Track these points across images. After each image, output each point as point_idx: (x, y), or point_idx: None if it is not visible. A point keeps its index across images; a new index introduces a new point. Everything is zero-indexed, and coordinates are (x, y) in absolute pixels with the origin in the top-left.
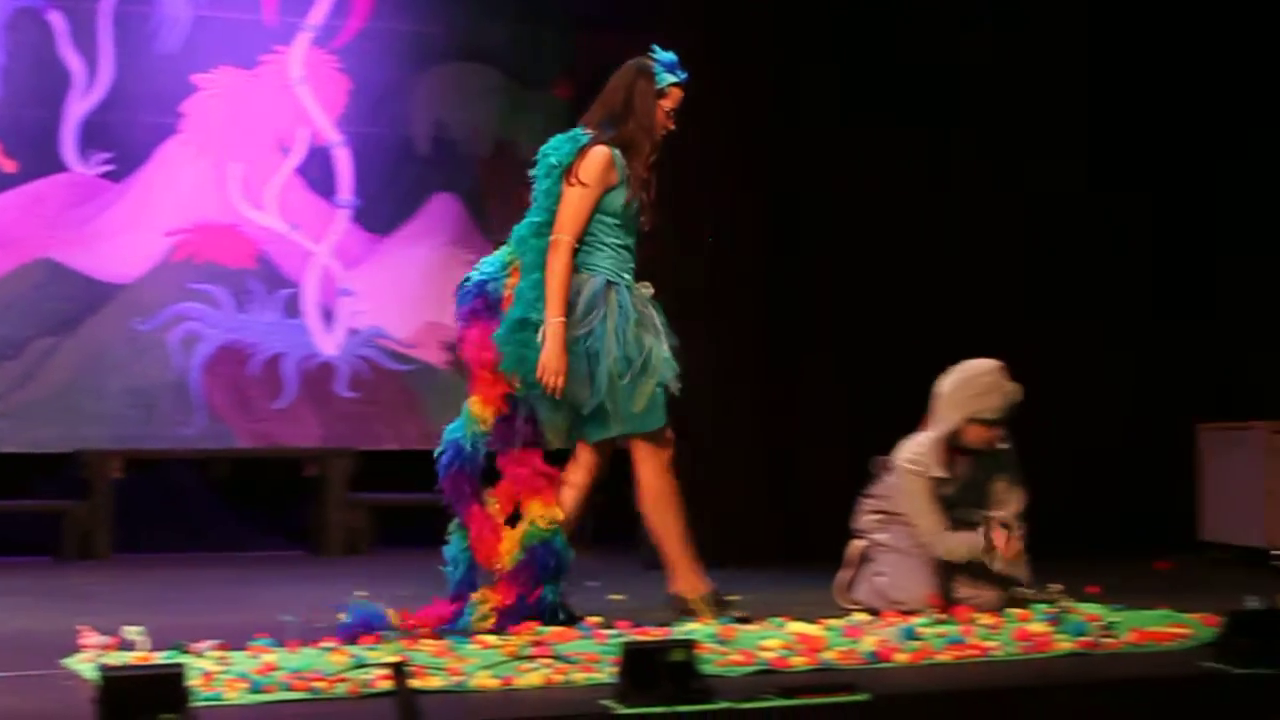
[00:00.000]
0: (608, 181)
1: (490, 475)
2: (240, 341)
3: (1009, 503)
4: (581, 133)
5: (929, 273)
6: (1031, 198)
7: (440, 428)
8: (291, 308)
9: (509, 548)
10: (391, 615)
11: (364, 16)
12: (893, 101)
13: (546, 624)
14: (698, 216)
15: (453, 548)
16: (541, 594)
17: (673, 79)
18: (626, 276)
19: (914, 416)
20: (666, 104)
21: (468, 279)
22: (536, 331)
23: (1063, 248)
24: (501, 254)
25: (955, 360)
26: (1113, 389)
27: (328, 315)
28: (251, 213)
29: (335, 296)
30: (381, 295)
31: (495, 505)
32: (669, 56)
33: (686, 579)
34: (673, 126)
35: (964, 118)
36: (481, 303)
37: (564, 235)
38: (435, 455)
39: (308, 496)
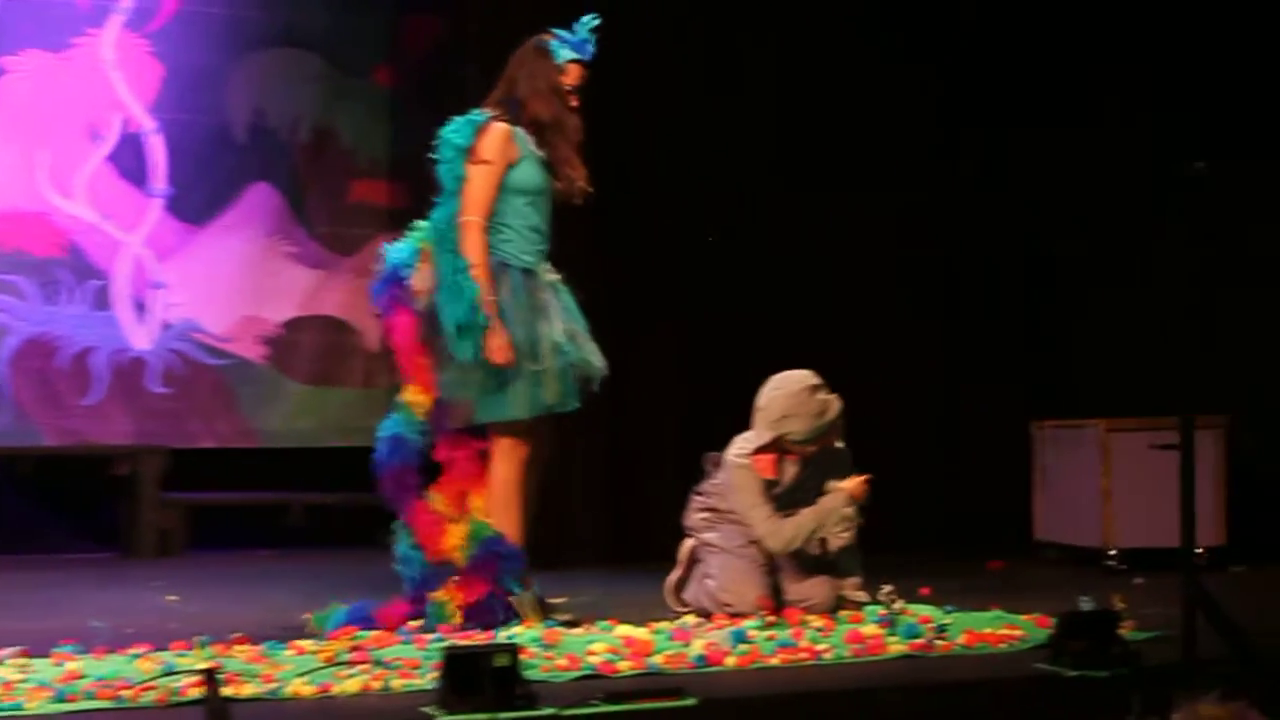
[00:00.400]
0: (509, 157)
1: (431, 471)
2: (48, 334)
3: (843, 499)
4: (479, 113)
5: (765, 269)
6: (872, 197)
7: (257, 424)
8: (102, 300)
9: (457, 542)
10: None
11: None
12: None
13: (513, 619)
14: None
15: (401, 546)
16: (507, 585)
17: (571, 55)
18: (528, 258)
19: (747, 413)
20: (566, 80)
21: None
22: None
23: (898, 246)
24: (412, 240)
25: (789, 357)
26: (946, 387)
27: (140, 308)
28: (60, 201)
29: (148, 289)
30: (196, 288)
31: (442, 501)
32: (575, 34)
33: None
34: (574, 103)
35: (803, 111)
36: (399, 289)
37: (472, 216)
38: (373, 454)
39: (118, 496)
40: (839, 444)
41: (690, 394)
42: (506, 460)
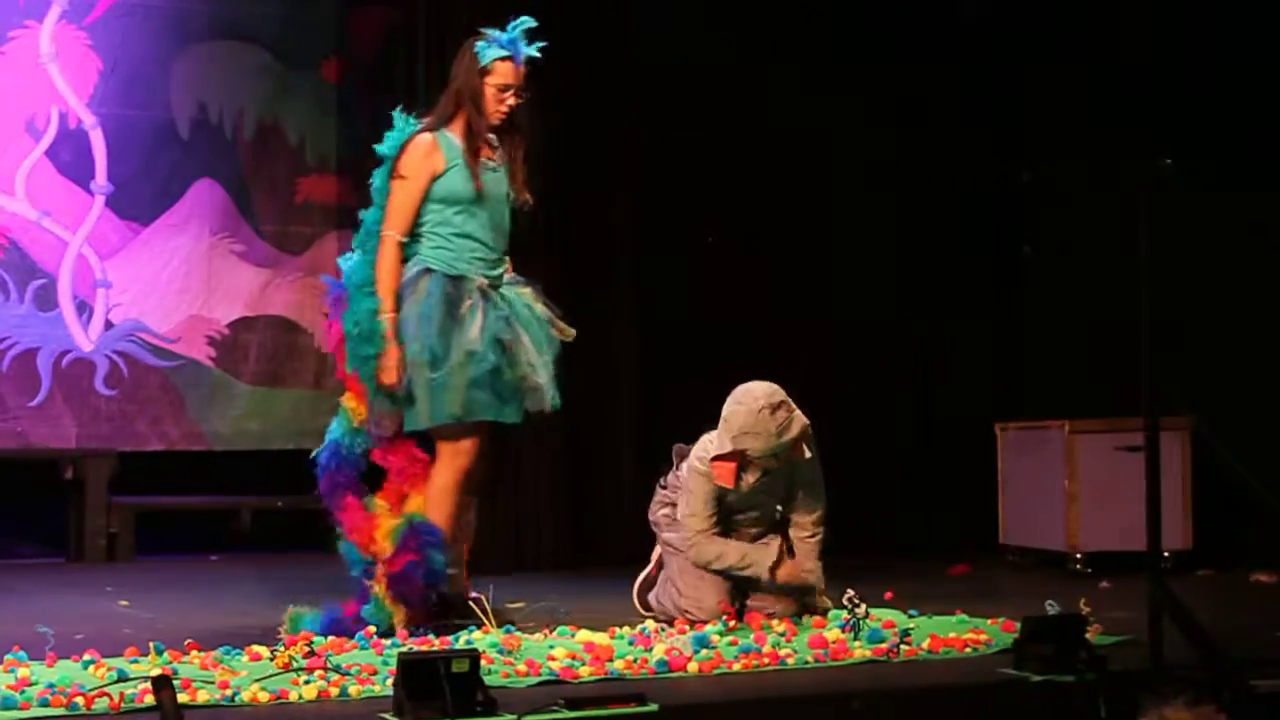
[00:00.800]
0: (432, 169)
1: (373, 476)
2: None
3: (808, 510)
4: (412, 123)
5: (731, 271)
6: (837, 198)
7: (205, 427)
8: (45, 300)
9: (386, 532)
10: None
11: None
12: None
13: (440, 597)
14: None
15: (345, 547)
16: (430, 557)
17: (498, 54)
18: (462, 265)
19: (705, 417)
20: (493, 80)
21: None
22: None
23: (862, 247)
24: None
25: (750, 359)
26: (911, 389)
27: (84, 308)
28: None
29: (92, 288)
30: (141, 287)
31: (382, 505)
32: (506, 33)
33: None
34: (509, 101)
35: (769, 110)
36: (344, 295)
37: (388, 231)
38: (312, 457)
39: (65, 500)
40: (807, 453)
41: (649, 397)
42: (442, 467)
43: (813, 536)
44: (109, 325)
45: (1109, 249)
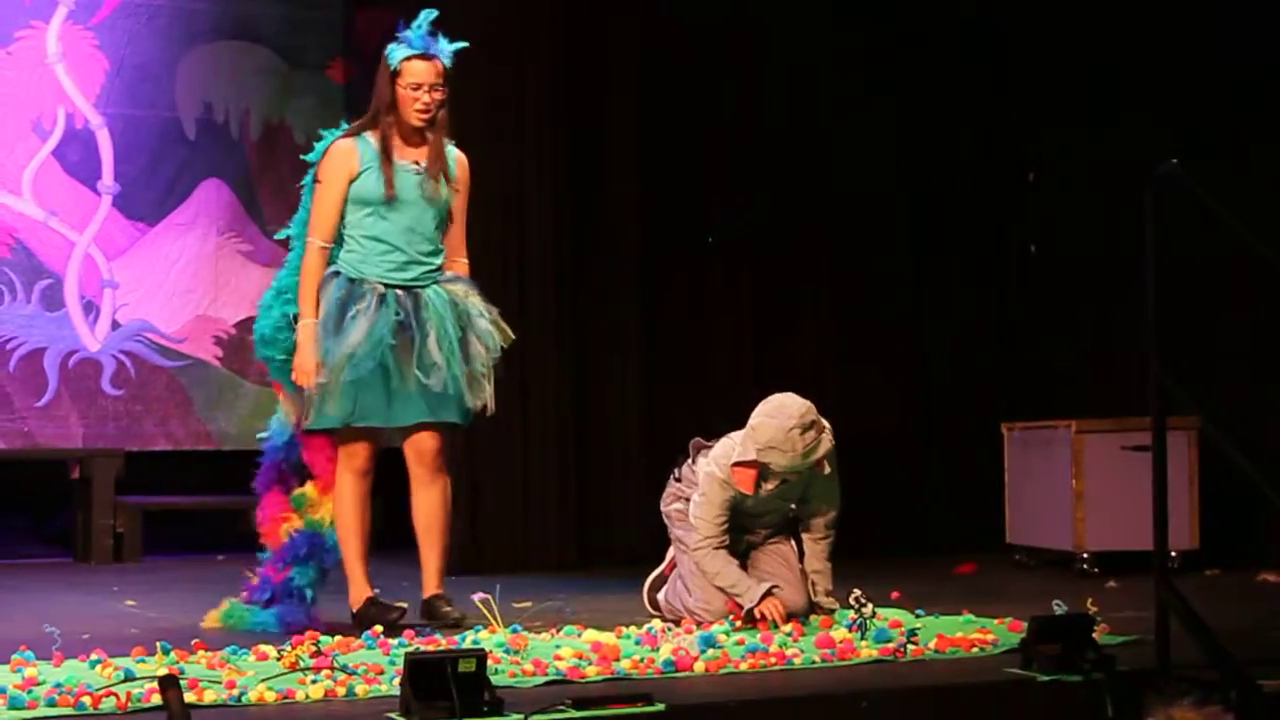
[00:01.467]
0: (348, 171)
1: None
2: None
3: (820, 514)
4: (337, 131)
5: (736, 269)
6: (838, 197)
7: (212, 426)
8: (51, 300)
9: (287, 528)
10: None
11: None
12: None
13: (297, 609)
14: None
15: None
16: (288, 576)
17: (405, 53)
18: (367, 268)
19: (713, 417)
20: (405, 80)
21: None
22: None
23: (869, 246)
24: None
25: (759, 365)
26: (918, 389)
27: (91, 308)
28: (6, 198)
29: (99, 288)
30: (148, 287)
31: (307, 499)
32: (413, 32)
33: (353, 586)
34: (424, 99)
35: (770, 112)
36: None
37: (311, 236)
38: (263, 443)
39: (71, 500)
40: (827, 469)
41: (655, 396)
42: (339, 470)
43: (824, 539)
44: (116, 325)
45: (1115, 247)
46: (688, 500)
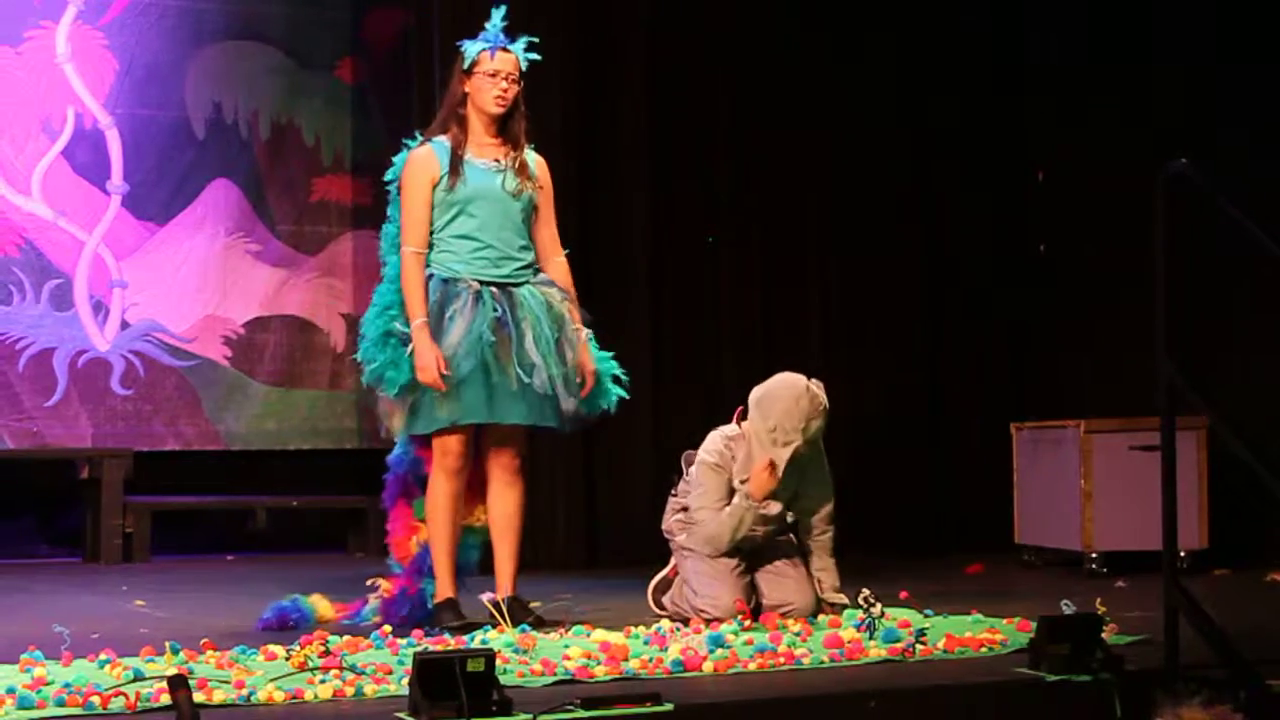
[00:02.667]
0: (431, 177)
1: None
2: (5, 335)
3: (816, 507)
4: (418, 137)
5: (744, 272)
6: (848, 197)
7: (221, 426)
8: (61, 300)
9: (417, 541)
10: (321, 604)
11: None
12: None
13: (428, 619)
14: None
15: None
16: (422, 587)
17: (479, 47)
18: (456, 267)
19: (720, 416)
20: (481, 69)
21: None
22: (394, 342)
23: (877, 247)
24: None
25: (768, 365)
26: (927, 388)
27: (100, 308)
28: (15, 198)
29: (108, 288)
30: (157, 287)
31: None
32: (490, 31)
33: (438, 584)
34: (503, 87)
35: (779, 106)
36: None
37: (406, 246)
38: (389, 457)
39: (81, 500)
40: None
41: (665, 397)
42: (433, 470)
43: (823, 534)
44: (125, 325)
45: (1125, 246)
46: (685, 509)
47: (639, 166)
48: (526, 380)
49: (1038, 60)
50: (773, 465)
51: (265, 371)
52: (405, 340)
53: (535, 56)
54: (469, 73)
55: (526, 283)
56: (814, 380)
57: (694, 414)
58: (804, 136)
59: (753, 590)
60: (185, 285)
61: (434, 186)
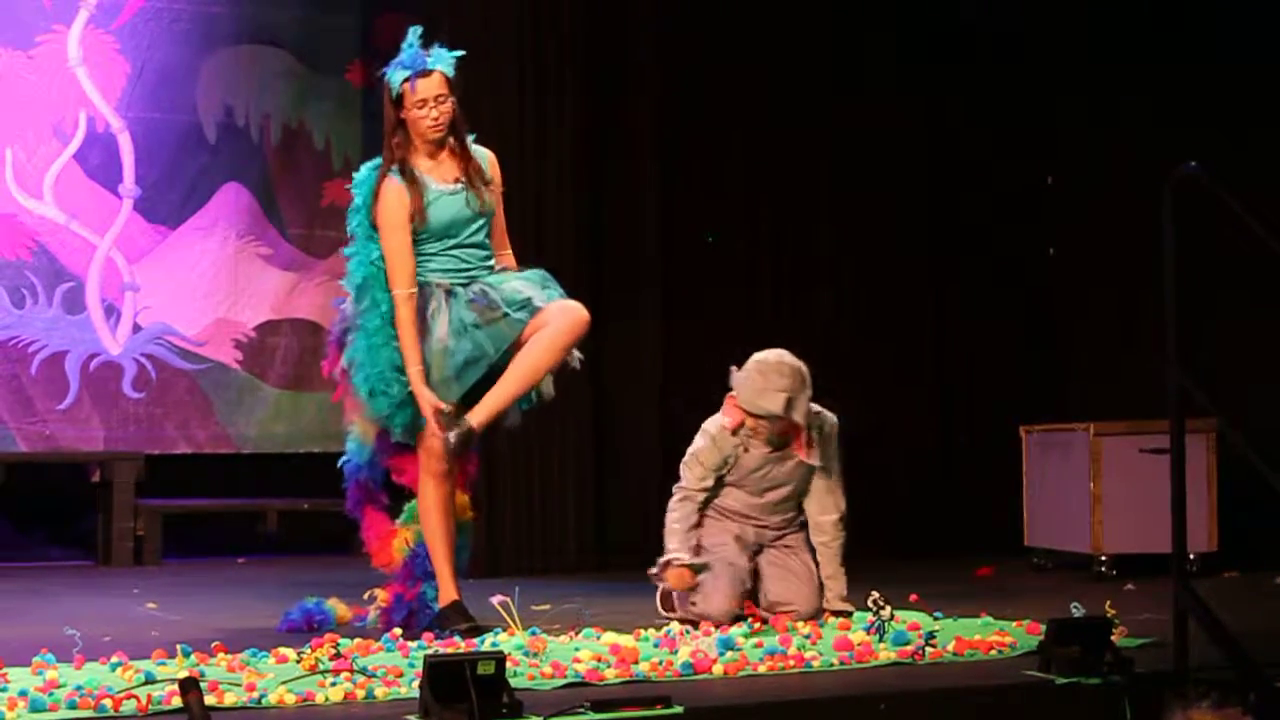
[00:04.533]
0: (412, 209)
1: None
2: (17, 338)
3: (827, 512)
4: (376, 163)
5: (755, 273)
6: (857, 200)
7: (232, 430)
8: (73, 303)
9: (400, 544)
10: (339, 607)
11: None
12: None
13: (431, 622)
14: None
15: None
16: (421, 590)
17: (403, 74)
18: (430, 274)
19: None
20: (409, 100)
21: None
22: (403, 380)
23: (887, 252)
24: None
25: None
26: (935, 392)
27: (112, 311)
28: (28, 202)
29: (120, 291)
30: (169, 290)
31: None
32: (405, 53)
33: (441, 588)
34: (435, 113)
35: (787, 108)
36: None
37: (397, 289)
38: (339, 464)
39: (92, 503)
40: (818, 461)
41: (674, 398)
42: (421, 475)
43: (833, 541)
44: (137, 328)
45: (1134, 249)
46: None
47: (649, 167)
48: (518, 300)
49: (1047, 60)
50: (741, 423)
51: (276, 375)
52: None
53: (451, 64)
54: (399, 105)
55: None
56: (799, 366)
57: (704, 416)
58: (813, 138)
59: (754, 587)
60: (197, 289)
61: (412, 219)
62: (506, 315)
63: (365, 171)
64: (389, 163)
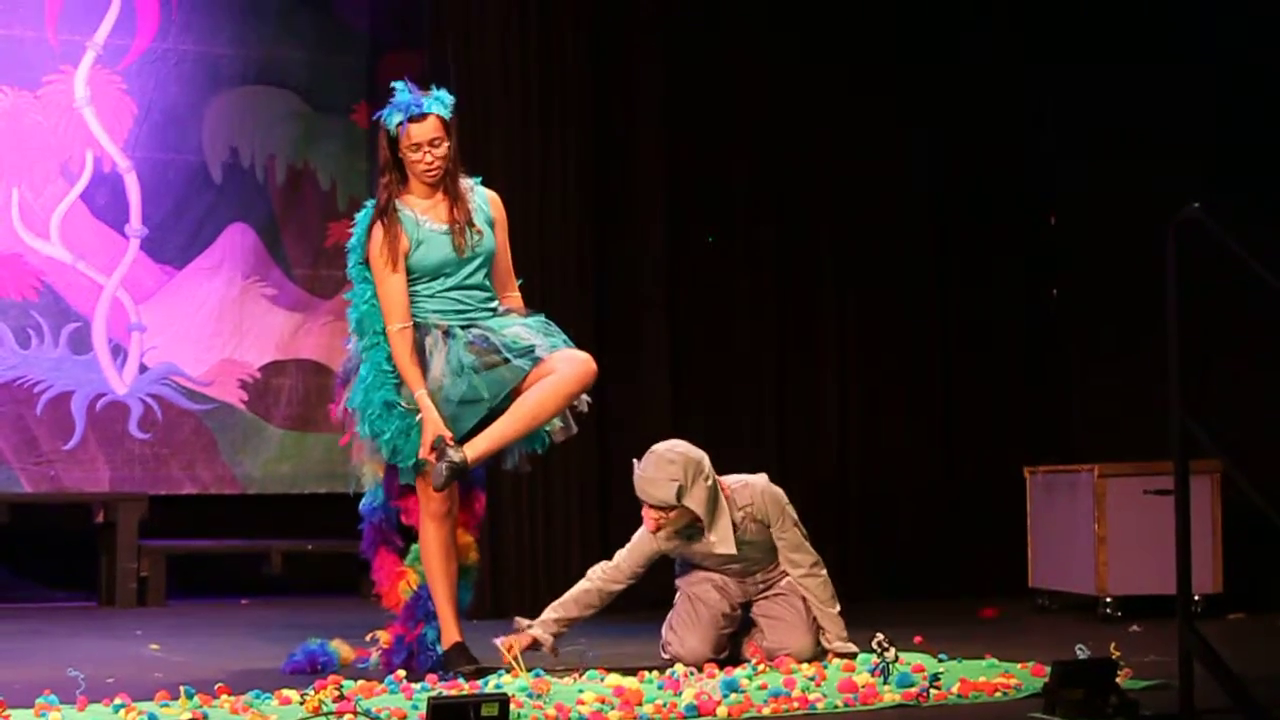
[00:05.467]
0: (402, 251)
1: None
2: (23, 379)
3: (799, 564)
4: (371, 205)
5: (761, 310)
6: (864, 238)
7: (237, 470)
8: (80, 343)
9: (404, 586)
10: (343, 648)
11: (151, 36)
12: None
13: (435, 664)
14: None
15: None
16: (422, 633)
17: (397, 118)
18: (429, 315)
19: (739, 453)
20: (404, 144)
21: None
22: (400, 411)
23: (892, 290)
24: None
25: (780, 395)
26: (939, 433)
27: (118, 351)
28: (35, 242)
29: (126, 331)
30: (175, 330)
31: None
32: (401, 96)
33: (444, 629)
34: (430, 156)
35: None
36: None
37: (391, 325)
38: (360, 506)
39: (96, 544)
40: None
41: (678, 433)
42: (421, 516)
43: (816, 587)
44: (143, 368)
45: (1138, 290)
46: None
47: (655, 199)
48: (520, 347)
49: (1052, 97)
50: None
51: (281, 415)
52: (409, 407)
53: (447, 108)
54: (394, 148)
55: (492, 317)
56: (697, 459)
57: (711, 448)
58: (820, 169)
59: (729, 638)
60: (202, 329)
61: (405, 257)
62: (508, 361)
63: (365, 211)
64: (381, 203)
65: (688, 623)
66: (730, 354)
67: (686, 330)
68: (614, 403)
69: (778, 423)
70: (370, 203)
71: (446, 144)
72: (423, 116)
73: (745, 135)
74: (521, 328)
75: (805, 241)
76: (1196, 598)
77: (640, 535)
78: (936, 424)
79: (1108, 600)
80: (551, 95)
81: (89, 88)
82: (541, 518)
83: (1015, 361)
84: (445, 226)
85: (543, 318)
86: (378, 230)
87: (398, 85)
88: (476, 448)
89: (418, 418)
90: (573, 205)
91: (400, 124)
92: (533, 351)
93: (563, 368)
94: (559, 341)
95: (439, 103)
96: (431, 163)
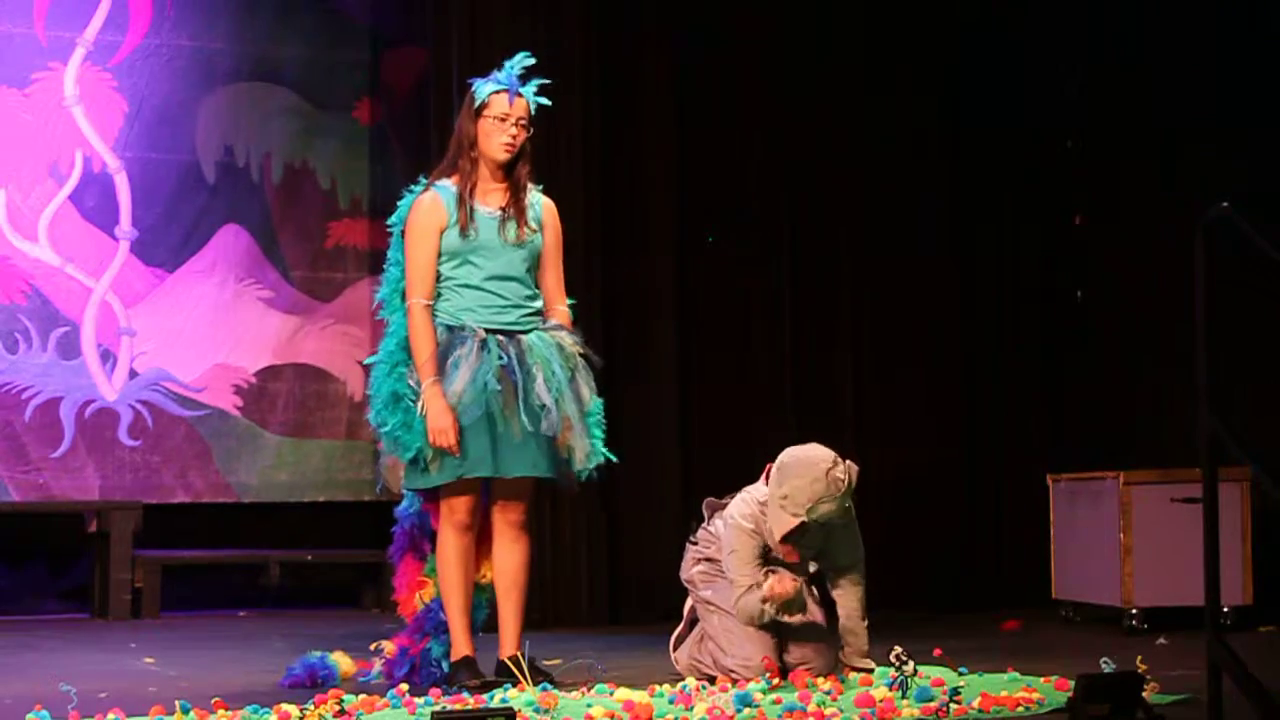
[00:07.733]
0: (438, 225)
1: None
2: (11, 384)
3: (845, 565)
4: (422, 183)
5: (772, 329)
6: (884, 243)
7: (232, 478)
8: (68, 348)
9: (421, 597)
10: (344, 661)
11: (143, 31)
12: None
13: (435, 679)
14: None
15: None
16: (426, 647)
17: (492, 88)
18: (464, 315)
19: (747, 469)
20: (490, 112)
21: None
22: (403, 403)
23: (914, 296)
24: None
25: (795, 413)
26: (961, 442)
27: (108, 356)
28: (22, 244)
29: (116, 336)
30: (167, 335)
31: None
32: (504, 71)
33: (454, 642)
34: (511, 133)
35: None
36: None
37: (413, 298)
38: (396, 510)
39: (88, 554)
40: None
41: (687, 451)
42: (440, 527)
43: (854, 591)
44: (133, 374)
45: (1165, 293)
46: (709, 560)
47: (664, 197)
48: (531, 429)
49: (1076, 101)
50: (793, 577)
51: (278, 421)
52: (415, 399)
53: (545, 101)
54: (478, 115)
55: (535, 329)
56: (846, 462)
57: (720, 468)
58: (836, 178)
59: (782, 648)
60: (195, 333)
61: (440, 234)
62: (533, 431)
63: (410, 195)
64: (441, 174)
65: (747, 640)
66: (743, 367)
67: (698, 341)
68: (622, 403)
69: (796, 428)
70: (414, 189)
71: (527, 133)
72: (519, 95)
73: (757, 133)
74: (571, 394)
75: (822, 243)
76: (1225, 609)
77: (739, 537)
78: (956, 430)
79: (1133, 612)
80: (557, 92)
81: (78, 86)
82: (548, 520)
83: (1037, 366)
84: (497, 211)
85: (585, 364)
86: (425, 198)
87: (507, 63)
88: (509, 645)
89: (420, 410)
90: (579, 204)
91: (495, 92)
92: (555, 431)
93: (505, 562)
94: (597, 437)
95: (532, 95)
96: (513, 137)
